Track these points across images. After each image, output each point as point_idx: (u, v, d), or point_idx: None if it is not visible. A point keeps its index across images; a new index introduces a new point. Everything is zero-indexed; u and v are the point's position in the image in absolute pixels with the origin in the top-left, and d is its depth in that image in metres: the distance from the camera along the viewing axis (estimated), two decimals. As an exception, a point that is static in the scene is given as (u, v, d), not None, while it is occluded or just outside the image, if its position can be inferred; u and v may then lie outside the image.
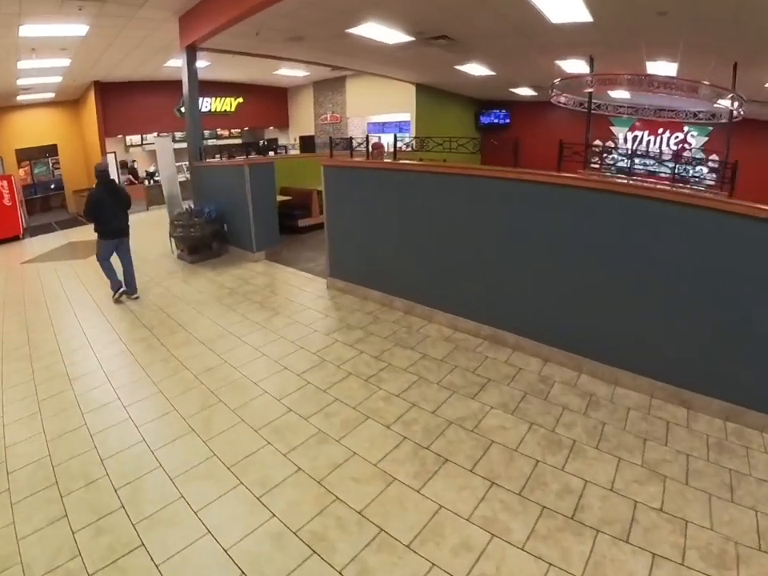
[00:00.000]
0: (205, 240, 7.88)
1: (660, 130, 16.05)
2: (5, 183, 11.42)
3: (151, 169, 15.72)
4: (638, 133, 16.60)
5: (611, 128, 17.08)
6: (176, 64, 10.83)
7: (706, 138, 15.17)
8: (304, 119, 17.60)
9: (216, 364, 4.17)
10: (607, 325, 3.64)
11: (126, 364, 4.30)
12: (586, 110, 11.62)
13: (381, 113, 15.56)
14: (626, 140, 17.12)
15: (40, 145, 15.07)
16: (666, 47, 8.03)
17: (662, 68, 9.47)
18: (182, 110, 10.34)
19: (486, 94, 17.50)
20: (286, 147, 18.30)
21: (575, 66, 10.59)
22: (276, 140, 18.54)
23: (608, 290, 3.56)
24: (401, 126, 16.07)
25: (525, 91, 16.09)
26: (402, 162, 5.55)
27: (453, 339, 4.52)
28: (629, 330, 3.53)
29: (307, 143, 17.94)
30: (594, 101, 11.75)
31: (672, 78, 9.28)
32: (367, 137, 6.34)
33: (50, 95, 13.73)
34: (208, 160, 9.73)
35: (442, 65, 11.53)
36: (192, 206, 8.28)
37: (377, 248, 5.46)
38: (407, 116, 15.39)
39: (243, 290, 6.33)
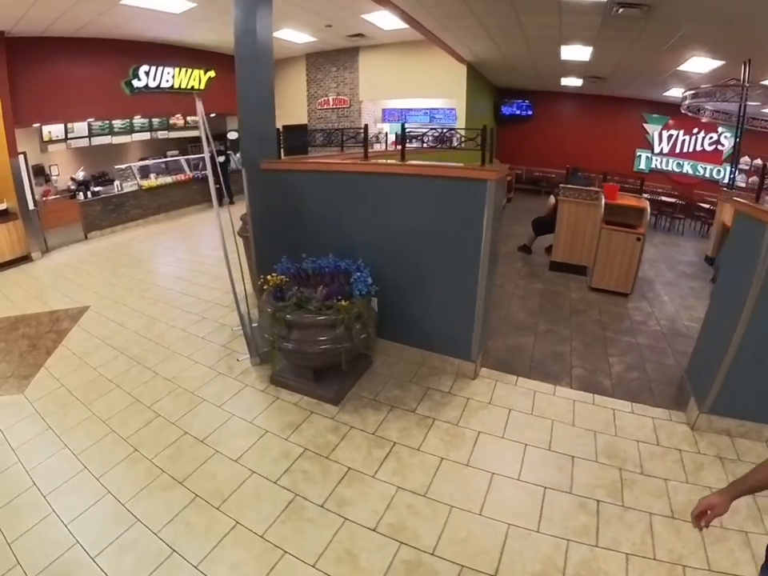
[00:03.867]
0: (353, 345, 3.57)
1: (695, 130, 14.50)
2: None
3: (80, 175, 10.19)
4: (673, 132, 14.93)
5: (644, 125, 15.05)
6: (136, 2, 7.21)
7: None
8: (291, 103, 13.03)
9: None
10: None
11: None
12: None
13: (411, 96, 11.60)
14: (660, 139, 14.90)
15: None
16: None
17: None
18: (135, 83, 8.11)
19: (514, 81, 14.33)
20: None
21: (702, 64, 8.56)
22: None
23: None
24: (431, 114, 12.26)
25: (571, 81, 13.21)
26: None
27: None
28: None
29: (293, 137, 13.23)
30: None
31: None
32: None
33: None
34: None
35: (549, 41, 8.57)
36: (295, 265, 3.94)
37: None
38: (444, 102, 11.92)
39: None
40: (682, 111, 11.41)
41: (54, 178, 10.44)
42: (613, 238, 6.09)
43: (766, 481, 1.27)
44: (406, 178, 3.83)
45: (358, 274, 3.60)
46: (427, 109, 12.61)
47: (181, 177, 11.33)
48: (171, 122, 12.46)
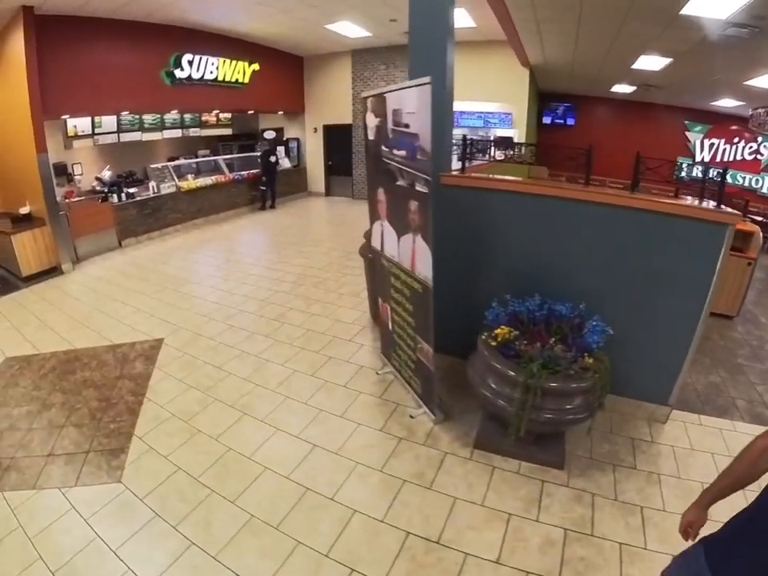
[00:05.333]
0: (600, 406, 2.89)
1: (735, 139, 13.84)
2: None
3: (106, 175, 9.03)
4: (715, 140, 14.34)
5: (686, 133, 14.43)
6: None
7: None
8: (334, 102, 11.97)
9: None
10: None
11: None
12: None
13: (465, 98, 10.71)
14: (702, 147, 14.44)
15: None
16: None
17: None
18: (178, 74, 7.77)
19: (561, 86, 13.57)
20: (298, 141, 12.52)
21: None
22: (282, 130, 12.56)
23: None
24: (485, 118, 11.32)
25: (623, 88, 12.59)
26: None
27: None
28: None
29: (335, 136, 12.29)
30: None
31: None
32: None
33: None
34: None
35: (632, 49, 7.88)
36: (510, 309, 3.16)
37: None
38: (499, 106, 11.07)
39: None
40: (750, 126, 10.77)
41: (77, 177, 9.27)
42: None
43: (731, 487, 1.34)
44: (631, 212, 3.13)
45: (594, 322, 2.86)
46: (481, 112, 11.67)
47: (221, 178, 10.18)
48: (204, 118, 11.36)
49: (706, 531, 1.41)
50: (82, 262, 7.62)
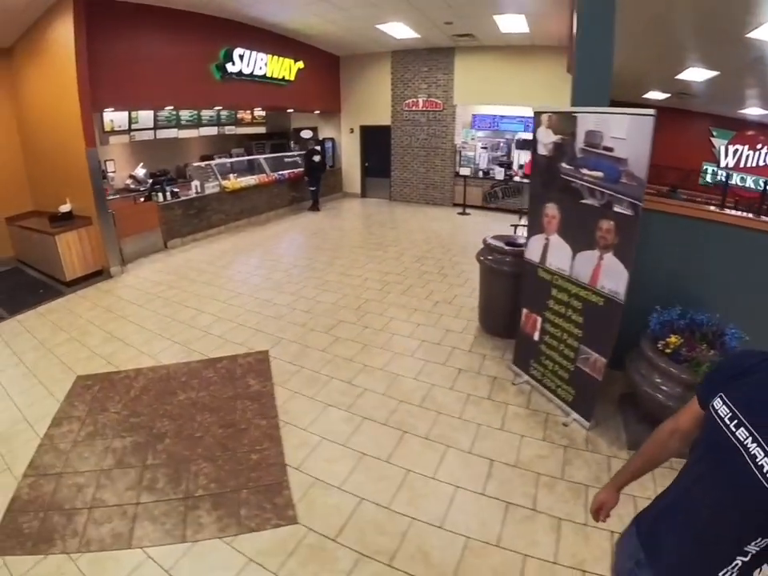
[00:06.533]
0: None
1: (759, 145, 13.63)
2: None
3: (140, 173, 8.50)
4: (739, 146, 14.11)
5: (711, 139, 14.34)
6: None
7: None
8: (372, 102, 11.56)
9: None
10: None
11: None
12: None
13: (508, 102, 10.43)
14: (726, 153, 14.26)
15: None
16: None
17: None
18: (229, 68, 7.62)
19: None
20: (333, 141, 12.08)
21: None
22: (316, 130, 12.11)
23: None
24: (526, 123, 11.04)
25: (656, 95, 12.30)
26: None
27: None
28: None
29: (373, 137, 11.87)
30: None
31: None
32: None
33: None
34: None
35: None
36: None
37: None
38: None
39: None
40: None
41: (110, 174, 8.73)
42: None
43: (643, 467, 1.44)
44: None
45: (732, 329, 2.99)
46: (522, 117, 11.37)
47: (263, 178, 9.69)
48: (239, 116, 10.87)
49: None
50: (128, 265, 7.06)
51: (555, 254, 3.45)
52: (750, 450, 1.06)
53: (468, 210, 10.57)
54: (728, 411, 1.14)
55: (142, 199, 7.94)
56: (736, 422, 1.11)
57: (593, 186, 3.01)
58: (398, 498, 2.66)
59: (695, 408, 1.32)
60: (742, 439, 1.09)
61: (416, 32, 9.31)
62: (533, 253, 3.66)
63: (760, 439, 1.06)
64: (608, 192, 2.90)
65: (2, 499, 2.75)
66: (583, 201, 3.09)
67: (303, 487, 2.75)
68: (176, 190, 8.06)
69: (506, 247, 4.38)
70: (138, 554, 2.39)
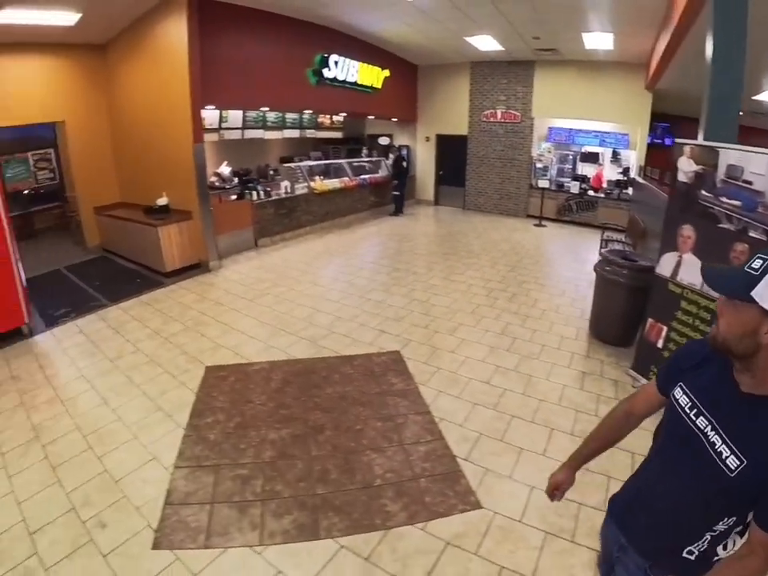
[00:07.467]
0: None
1: None
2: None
3: (225, 171, 8.65)
4: None
5: None
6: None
7: None
8: (449, 112, 11.61)
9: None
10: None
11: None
12: None
13: (585, 117, 10.32)
14: None
15: (18, 124, 7.19)
16: None
17: None
18: (325, 73, 7.88)
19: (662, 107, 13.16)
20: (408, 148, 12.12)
21: None
22: (391, 137, 12.18)
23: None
24: (602, 138, 10.89)
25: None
26: None
27: None
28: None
29: (448, 146, 11.86)
30: None
31: None
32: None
33: (71, 18, 6.15)
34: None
35: None
36: None
37: None
38: (615, 126, 10.64)
39: None
40: None
41: (198, 171, 8.88)
42: None
43: (598, 449, 1.51)
44: None
45: None
46: (597, 132, 11.23)
47: (347, 181, 9.79)
48: (319, 120, 11.03)
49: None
50: (224, 260, 7.17)
51: (687, 270, 3.68)
52: (710, 437, 1.10)
53: (543, 222, 10.46)
54: (688, 401, 1.18)
55: (234, 197, 8.08)
56: (696, 410, 1.15)
57: (730, 213, 3.29)
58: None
59: (651, 391, 1.35)
60: (702, 427, 1.12)
61: (501, 45, 9.32)
62: (664, 268, 3.85)
63: (718, 427, 1.09)
64: (744, 219, 3.17)
65: (155, 491, 2.74)
66: (720, 225, 3.36)
67: (477, 476, 2.82)
68: (268, 189, 8.18)
69: (624, 261, 4.47)
70: (329, 544, 2.38)
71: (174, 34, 6.33)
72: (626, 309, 4.37)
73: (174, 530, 2.46)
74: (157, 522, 2.51)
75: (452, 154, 11.77)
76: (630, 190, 9.80)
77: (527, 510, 2.59)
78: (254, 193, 7.85)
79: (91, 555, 2.33)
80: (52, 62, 7.18)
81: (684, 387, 1.20)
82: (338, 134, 11.85)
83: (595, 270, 4.71)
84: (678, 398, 1.21)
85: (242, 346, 4.49)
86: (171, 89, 6.56)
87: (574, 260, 7.77)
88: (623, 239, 6.91)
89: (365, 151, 11.72)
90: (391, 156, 11.05)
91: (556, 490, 1.52)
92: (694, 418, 1.14)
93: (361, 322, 4.98)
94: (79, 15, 6.04)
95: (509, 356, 4.34)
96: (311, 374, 3.97)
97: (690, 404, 1.17)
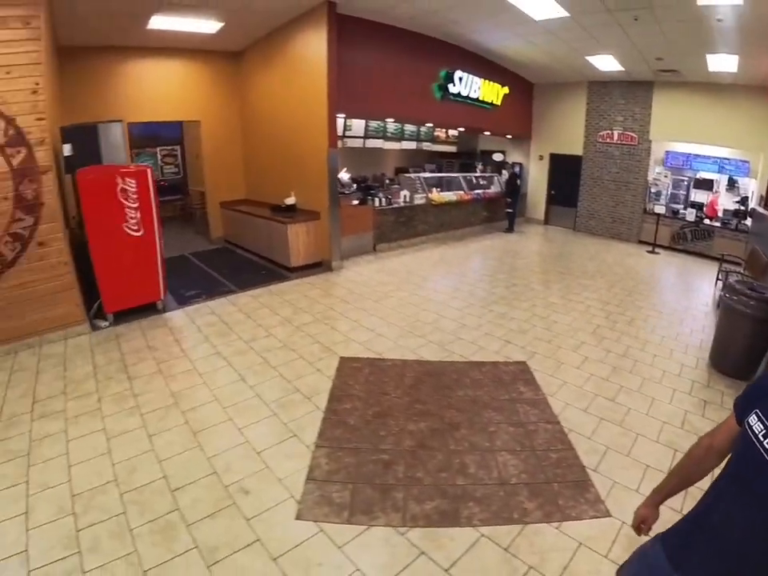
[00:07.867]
0: None
1: None
2: (134, 184, 5.06)
3: (345, 177, 9.07)
4: None
5: None
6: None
7: None
8: (564, 131, 11.47)
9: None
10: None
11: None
12: None
13: (704, 141, 9.74)
14: None
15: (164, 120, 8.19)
16: None
17: None
18: (451, 88, 8.08)
19: None
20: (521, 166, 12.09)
21: None
22: (504, 153, 12.22)
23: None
24: (721, 164, 10.17)
25: None
26: None
27: None
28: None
29: (562, 166, 11.70)
30: None
31: None
32: None
33: (214, 26, 6.90)
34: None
35: None
36: None
37: None
38: (734, 152, 9.94)
39: None
40: None
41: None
42: None
43: (680, 485, 1.46)
44: None
45: None
46: (716, 157, 10.59)
47: (462, 195, 10.02)
48: (435, 133, 11.35)
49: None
50: (345, 261, 7.61)
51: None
52: None
53: (657, 249, 10.09)
54: (762, 428, 1.09)
55: (356, 202, 8.55)
56: None
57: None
58: (687, 505, 2.64)
59: (732, 424, 1.26)
60: None
61: (621, 65, 9.15)
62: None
63: None
64: None
65: (297, 465, 2.96)
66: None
67: (606, 487, 2.88)
68: (389, 197, 8.58)
69: (751, 291, 4.36)
70: (470, 531, 2.55)
71: (314, 44, 6.85)
72: (751, 340, 4.27)
73: (317, 504, 2.66)
74: (300, 494, 2.71)
75: (565, 174, 11.63)
76: (748, 221, 9.21)
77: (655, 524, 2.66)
78: (376, 199, 8.26)
79: (234, 517, 2.54)
80: (193, 66, 8.10)
81: (760, 414, 1.10)
82: (451, 148, 12.10)
83: (721, 298, 4.65)
84: (752, 424, 1.11)
85: (372, 341, 4.81)
86: (309, 96, 7.09)
87: (689, 289, 7.56)
88: (742, 272, 6.60)
89: (479, 166, 11.87)
90: (505, 173, 11.14)
91: (642, 524, 1.54)
92: (767, 447, 1.05)
93: (485, 331, 5.17)
94: (221, 24, 6.77)
95: (632, 377, 4.35)
96: (442, 376, 4.21)
97: (764, 431, 1.07)
